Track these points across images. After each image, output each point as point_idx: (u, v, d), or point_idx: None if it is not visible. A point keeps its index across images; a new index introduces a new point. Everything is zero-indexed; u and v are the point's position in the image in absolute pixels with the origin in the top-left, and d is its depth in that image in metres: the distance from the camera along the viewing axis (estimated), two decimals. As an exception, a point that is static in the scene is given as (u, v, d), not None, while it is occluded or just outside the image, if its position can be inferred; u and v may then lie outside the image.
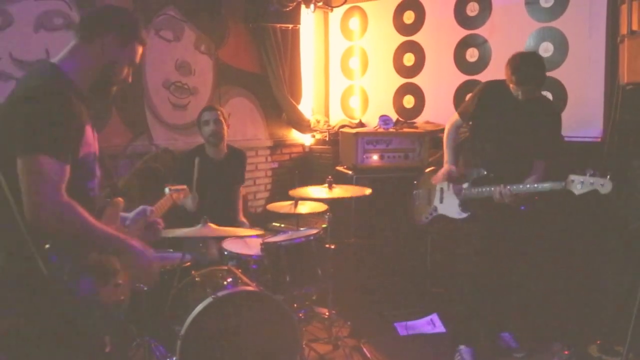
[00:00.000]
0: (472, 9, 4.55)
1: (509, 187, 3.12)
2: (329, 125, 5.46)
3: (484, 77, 4.37)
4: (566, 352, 3.39)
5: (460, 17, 4.62)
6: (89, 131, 1.89)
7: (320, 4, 5.19)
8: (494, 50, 4.42)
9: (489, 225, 3.36)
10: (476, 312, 3.46)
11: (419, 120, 4.92)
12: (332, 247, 3.57)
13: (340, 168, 4.60)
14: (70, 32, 3.45)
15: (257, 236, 3.54)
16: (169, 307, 3.02)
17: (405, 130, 4.60)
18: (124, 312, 1.99)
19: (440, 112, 4.78)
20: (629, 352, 2.94)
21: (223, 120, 4.02)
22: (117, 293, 1.92)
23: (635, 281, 3.03)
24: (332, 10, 5.45)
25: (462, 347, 3.44)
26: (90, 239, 1.78)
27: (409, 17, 4.99)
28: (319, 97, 5.64)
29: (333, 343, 3.63)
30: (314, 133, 5.45)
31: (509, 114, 3.29)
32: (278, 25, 5.03)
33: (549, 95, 4.08)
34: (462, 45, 4.63)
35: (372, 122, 5.14)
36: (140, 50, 2.05)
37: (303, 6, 5.04)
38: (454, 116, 3.59)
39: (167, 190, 2.83)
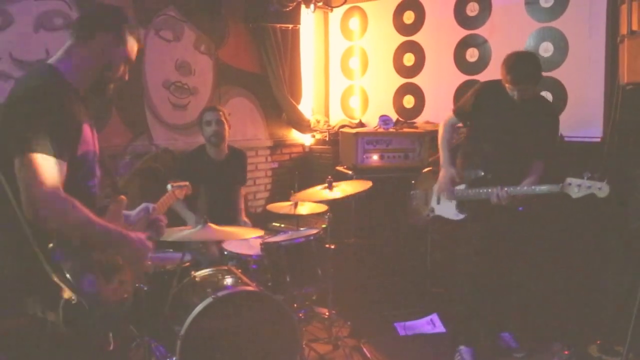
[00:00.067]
0: (472, 9, 4.55)
1: (506, 189, 3.12)
2: (329, 125, 5.46)
3: (484, 77, 4.36)
4: (566, 352, 3.39)
5: (460, 17, 4.62)
6: (86, 130, 1.90)
7: (320, 4, 5.19)
8: (494, 50, 4.42)
9: (488, 226, 3.35)
10: (476, 312, 3.46)
11: (419, 120, 4.92)
12: (332, 247, 3.57)
13: (340, 168, 4.60)
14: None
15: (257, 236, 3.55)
16: (169, 307, 3.02)
17: (405, 130, 4.60)
18: (126, 311, 1.99)
19: (440, 112, 4.77)
20: (629, 352, 2.94)
21: (225, 121, 4.03)
22: (122, 290, 1.93)
23: (635, 281, 3.04)
24: (332, 10, 5.45)
25: (462, 347, 3.44)
26: (90, 234, 1.79)
27: (409, 17, 4.99)
28: (319, 97, 5.64)
29: (333, 343, 3.63)
30: (314, 133, 5.45)
31: (506, 114, 3.28)
32: (278, 25, 5.03)
33: (549, 95, 4.08)
34: (462, 45, 4.63)
35: (372, 122, 5.14)
36: (135, 47, 2.06)
37: (303, 6, 5.04)
38: (449, 115, 3.58)
39: (169, 187, 2.84)
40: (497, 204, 3.16)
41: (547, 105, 3.51)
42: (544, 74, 4.06)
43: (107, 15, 2.01)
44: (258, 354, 2.91)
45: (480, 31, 4.52)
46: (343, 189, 3.69)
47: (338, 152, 4.90)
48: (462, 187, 3.40)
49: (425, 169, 3.89)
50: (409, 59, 5.03)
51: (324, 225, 3.58)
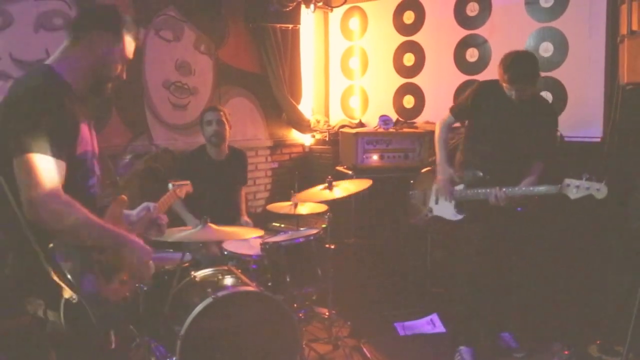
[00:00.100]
0: (472, 9, 4.55)
1: (504, 189, 3.12)
2: (329, 125, 5.46)
3: (484, 77, 4.36)
4: (566, 352, 3.39)
5: (460, 17, 4.62)
6: (85, 130, 1.90)
7: (320, 4, 5.19)
8: (494, 50, 4.42)
9: (487, 226, 3.35)
10: (476, 312, 3.46)
11: (419, 120, 4.92)
12: (332, 247, 3.57)
13: (340, 168, 4.60)
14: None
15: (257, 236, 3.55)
16: (169, 307, 3.02)
17: (405, 130, 4.60)
18: (127, 310, 1.99)
19: (440, 112, 4.71)
20: (629, 352, 2.94)
21: (225, 121, 4.04)
22: (122, 290, 1.93)
23: (635, 281, 3.04)
24: (332, 10, 5.45)
25: (462, 347, 3.44)
26: (90, 235, 1.79)
27: (409, 17, 4.99)
28: (319, 97, 5.64)
29: (333, 343, 3.63)
30: (314, 133, 5.45)
31: (504, 114, 3.28)
32: (278, 25, 5.03)
33: (549, 95, 4.08)
34: (462, 45, 4.63)
35: (372, 122, 5.14)
36: (133, 46, 2.06)
37: (303, 6, 5.04)
38: (445, 114, 3.57)
39: (170, 186, 2.84)
40: (496, 205, 3.16)
41: (546, 104, 3.51)
42: (544, 74, 4.09)
43: (102, 14, 2.01)
44: (258, 354, 2.91)
45: (480, 31, 4.52)
46: (344, 188, 3.69)
47: (338, 152, 4.90)
48: (460, 187, 3.39)
49: (424, 169, 3.88)
50: (409, 59, 5.03)
51: (324, 225, 3.58)
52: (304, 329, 3.40)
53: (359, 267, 4.35)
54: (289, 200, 3.79)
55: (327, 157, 5.22)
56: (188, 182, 2.97)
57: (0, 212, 1.78)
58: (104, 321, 1.82)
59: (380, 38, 5.18)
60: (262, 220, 4.45)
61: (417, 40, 4.95)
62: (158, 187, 3.10)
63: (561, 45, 4.06)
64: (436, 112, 4.84)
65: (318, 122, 5.44)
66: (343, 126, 5.19)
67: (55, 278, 1.72)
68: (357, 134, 4.40)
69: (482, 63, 4.51)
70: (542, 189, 3.06)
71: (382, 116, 4.62)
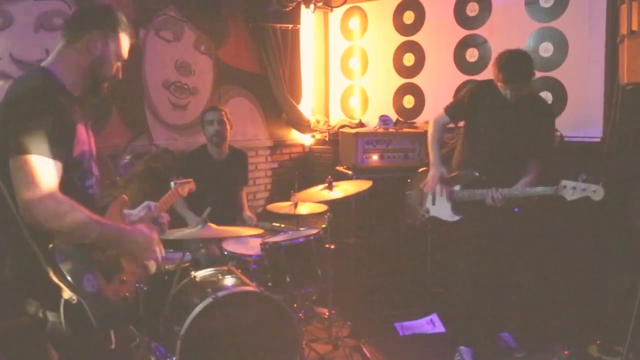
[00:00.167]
0: (472, 9, 4.55)
1: (500, 190, 3.11)
2: (329, 125, 5.46)
3: (484, 77, 4.35)
4: (566, 352, 3.39)
5: (460, 17, 4.62)
6: (81, 130, 1.90)
7: (320, 4, 5.19)
8: (494, 50, 4.42)
9: (484, 227, 3.34)
10: (476, 312, 3.46)
11: (419, 120, 4.92)
12: (332, 247, 3.57)
13: (340, 168, 4.60)
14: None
15: (257, 236, 3.55)
16: (169, 307, 3.02)
17: (405, 130, 4.61)
18: (127, 310, 1.99)
19: (440, 112, 4.77)
20: (629, 352, 2.94)
21: (226, 121, 4.04)
22: (123, 290, 1.93)
23: (635, 281, 3.03)
24: (332, 10, 5.45)
25: (462, 347, 3.44)
26: (89, 234, 1.79)
27: (408, 17, 4.99)
28: (319, 97, 5.64)
29: (333, 343, 3.63)
30: (314, 133, 5.45)
31: (500, 113, 3.27)
32: (278, 25, 5.03)
33: (549, 95, 4.08)
34: (462, 45, 4.63)
35: (372, 122, 5.14)
36: (128, 44, 2.06)
37: (303, 6, 5.04)
38: (439, 113, 3.56)
39: (172, 184, 2.84)
40: (493, 206, 3.15)
41: (542, 103, 3.48)
42: (544, 74, 4.09)
43: (96, 14, 2.01)
44: (258, 354, 2.91)
45: (480, 31, 4.52)
46: (343, 189, 3.69)
47: (338, 152, 4.90)
48: (457, 188, 3.38)
49: (421, 169, 3.86)
50: (409, 59, 5.03)
51: (324, 225, 3.57)
52: (304, 329, 3.40)
53: (359, 267, 4.35)
54: (289, 200, 3.80)
55: (327, 157, 5.22)
56: (190, 180, 2.97)
57: None
58: (103, 321, 1.82)
59: (380, 38, 5.18)
60: (262, 220, 4.45)
61: (417, 40, 4.95)
62: (158, 187, 3.10)
63: (561, 45, 4.06)
64: (436, 112, 4.80)
65: (318, 122, 5.44)
66: (343, 126, 5.19)
67: (55, 279, 1.72)
68: (357, 134, 4.41)
69: (482, 63, 4.51)
70: (538, 190, 3.06)
71: (382, 116, 4.63)
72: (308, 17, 5.32)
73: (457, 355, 3.44)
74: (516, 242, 3.41)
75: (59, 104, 1.80)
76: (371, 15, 5.24)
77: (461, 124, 3.66)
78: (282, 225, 4.09)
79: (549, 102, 4.05)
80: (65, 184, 1.78)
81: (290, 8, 4.94)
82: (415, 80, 5.01)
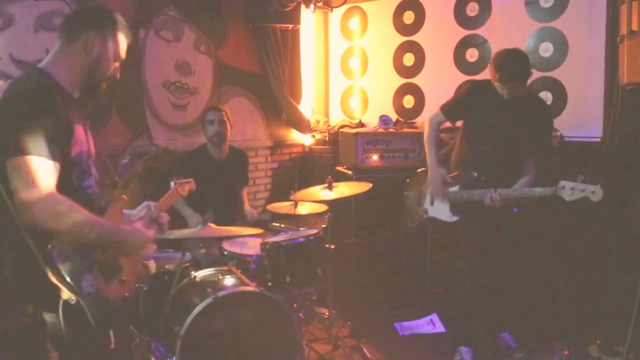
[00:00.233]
0: (472, 9, 4.55)
1: (499, 191, 3.11)
2: (328, 125, 5.46)
3: (484, 77, 4.32)
4: (566, 352, 3.39)
5: (460, 17, 4.62)
6: (79, 131, 1.90)
7: (320, 4, 5.19)
8: (493, 50, 4.38)
9: (483, 227, 3.34)
10: (476, 312, 3.46)
11: (419, 120, 4.91)
12: (332, 247, 3.57)
13: (340, 168, 4.60)
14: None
15: (257, 236, 3.55)
16: (169, 307, 3.02)
17: (405, 130, 4.60)
18: (127, 310, 2.00)
19: (435, 110, 4.77)
20: (629, 352, 2.94)
21: (227, 121, 4.04)
22: (122, 290, 1.93)
23: (635, 281, 3.03)
24: (332, 10, 5.45)
25: (462, 347, 3.44)
26: (88, 234, 1.79)
27: (408, 17, 4.99)
28: (319, 97, 5.64)
29: (333, 343, 3.63)
30: (314, 133, 5.45)
31: (497, 113, 3.27)
32: (278, 25, 5.03)
33: (549, 95, 4.08)
34: (462, 46, 4.63)
35: (372, 122, 5.14)
36: (125, 44, 2.06)
37: (303, 6, 5.04)
38: (435, 112, 3.54)
39: (172, 184, 2.84)
40: (491, 206, 3.15)
41: (540, 103, 3.46)
42: (544, 74, 4.09)
43: (92, 14, 2.01)
44: (258, 354, 2.91)
45: (480, 31, 4.52)
46: (342, 191, 3.69)
47: (338, 152, 4.90)
48: (455, 188, 3.37)
49: (420, 169, 3.85)
50: (408, 59, 5.03)
51: (324, 225, 3.58)
52: (304, 329, 3.40)
53: (359, 267, 4.35)
54: (289, 200, 3.80)
55: (327, 157, 5.22)
56: (191, 179, 2.97)
57: None
58: (103, 321, 1.82)
59: (380, 38, 5.18)
60: (262, 220, 4.45)
61: (417, 40, 4.95)
62: (158, 187, 3.11)
63: (561, 46, 4.06)
64: (436, 112, 4.84)
65: (318, 122, 5.44)
66: (343, 126, 5.19)
67: (53, 279, 1.72)
68: (357, 134, 4.41)
69: (482, 63, 4.50)
70: (537, 190, 3.05)
71: (382, 116, 4.63)
72: (308, 17, 5.32)
73: (457, 355, 3.44)
74: (515, 242, 3.41)
75: (56, 104, 1.80)
76: (371, 15, 5.24)
77: (459, 123, 3.65)
78: (282, 225, 4.10)
79: (549, 102, 4.05)
80: (64, 184, 1.79)
81: (290, 8, 4.94)
82: (415, 80, 5.01)
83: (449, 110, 3.48)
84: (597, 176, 2.86)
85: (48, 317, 1.75)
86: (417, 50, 4.96)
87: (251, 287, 3.01)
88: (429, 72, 4.91)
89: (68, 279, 1.74)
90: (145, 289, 2.93)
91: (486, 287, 3.42)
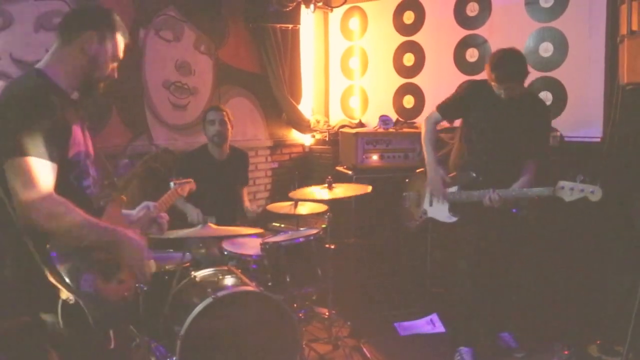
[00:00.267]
0: (472, 9, 4.55)
1: (498, 191, 3.11)
2: (328, 125, 5.46)
3: (484, 77, 4.34)
4: (566, 352, 3.39)
5: (460, 17, 4.62)
6: (77, 131, 1.90)
7: (320, 4, 5.19)
8: (493, 50, 4.38)
9: (482, 228, 3.34)
10: (476, 312, 3.46)
11: (419, 121, 4.91)
12: (332, 247, 3.57)
13: (340, 168, 4.60)
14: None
15: (257, 236, 3.55)
16: (169, 307, 3.02)
17: (405, 130, 4.61)
18: (127, 310, 1.99)
19: (433, 110, 4.77)
20: (629, 352, 2.94)
21: (228, 121, 4.05)
22: (121, 289, 1.93)
23: (635, 281, 3.04)
24: (332, 10, 5.45)
25: (462, 347, 3.44)
26: (85, 235, 1.79)
27: (408, 17, 4.99)
28: (319, 97, 5.64)
29: (333, 343, 3.63)
30: (314, 133, 5.45)
31: (494, 113, 3.26)
32: (278, 25, 5.03)
33: (549, 95, 4.08)
34: (462, 46, 4.63)
35: (372, 122, 5.14)
36: (122, 44, 2.05)
37: (303, 6, 5.04)
38: (432, 112, 3.54)
39: (172, 184, 2.84)
40: (490, 207, 3.15)
41: (538, 102, 3.43)
42: (544, 74, 4.09)
43: (89, 14, 2.01)
44: (258, 354, 2.91)
45: (480, 31, 4.52)
46: (340, 193, 3.69)
47: (338, 152, 4.90)
48: (454, 189, 3.37)
49: (418, 170, 3.84)
50: (408, 59, 5.03)
51: (324, 225, 3.58)
52: (304, 329, 3.40)
53: (359, 267, 4.35)
54: (288, 200, 3.80)
55: (327, 157, 5.22)
56: (190, 180, 2.97)
57: None
58: (102, 321, 1.82)
59: (380, 38, 5.18)
60: (262, 220, 4.45)
61: (417, 40, 4.95)
62: (158, 187, 3.11)
63: (561, 46, 4.06)
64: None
65: (318, 122, 5.44)
66: (343, 126, 5.19)
67: (51, 279, 1.72)
68: (357, 134, 4.41)
69: (482, 63, 4.48)
70: (535, 191, 3.05)
71: (382, 116, 4.63)
72: (308, 17, 5.32)
73: (457, 355, 3.44)
74: (514, 242, 3.41)
75: (53, 105, 1.80)
76: (371, 15, 5.24)
77: (458, 123, 3.65)
78: (282, 225, 4.10)
79: (549, 102, 4.06)
80: (62, 185, 1.79)
81: (290, 8, 4.94)
82: (415, 80, 5.01)
83: (446, 109, 3.48)
84: (597, 176, 2.86)
85: (47, 317, 1.75)
86: (417, 50, 4.96)
87: (251, 287, 3.02)
88: (429, 72, 4.91)
89: (66, 279, 1.74)
90: (145, 289, 2.93)
91: (486, 287, 3.42)
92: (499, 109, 3.24)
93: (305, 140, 5.52)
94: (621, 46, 3.40)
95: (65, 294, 1.73)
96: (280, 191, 5.07)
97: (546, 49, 4.12)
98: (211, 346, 2.81)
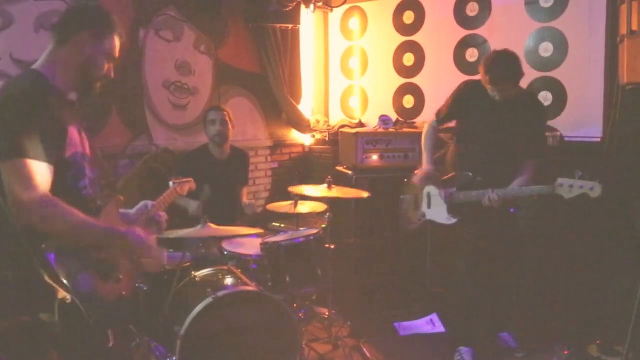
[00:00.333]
0: (472, 9, 4.55)
1: (497, 191, 3.10)
2: (328, 125, 5.46)
3: (483, 77, 4.37)
4: (566, 352, 3.39)
5: (460, 17, 4.62)
6: (73, 132, 1.90)
7: (320, 4, 5.19)
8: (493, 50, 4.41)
9: (481, 228, 3.34)
10: (476, 312, 3.46)
11: (419, 121, 4.91)
12: (332, 247, 3.57)
13: (340, 168, 4.60)
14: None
15: (257, 236, 3.55)
16: (169, 307, 3.02)
17: (405, 130, 4.61)
18: (127, 308, 1.99)
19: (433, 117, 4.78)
20: (629, 352, 2.94)
21: (229, 121, 4.05)
22: (119, 289, 1.93)
23: (635, 281, 3.03)
24: (332, 10, 5.45)
25: (462, 347, 3.44)
26: (82, 235, 1.79)
27: (408, 17, 4.99)
28: (319, 97, 5.64)
29: (333, 343, 3.63)
30: (314, 133, 5.45)
31: (490, 114, 3.26)
32: (278, 26, 5.03)
33: (549, 95, 4.08)
34: (462, 46, 4.63)
35: (372, 122, 5.14)
36: (118, 43, 2.05)
37: (303, 6, 5.04)
38: (432, 119, 3.59)
39: (171, 183, 2.84)
40: (489, 207, 3.14)
41: (533, 102, 3.42)
42: (544, 74, 4.09)
43: (84, 14, 2.01)
44: (258, 354, 2.91)
45: (480, 31, 4.52)
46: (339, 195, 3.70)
47: (338, 152, 4.90)
48: (452, 190, 3.36)
49: (417, 171, 3.84)
50: (408, 59, 5.03)
51: (324, 225, 3.58)
52: (304, 329, 3.40)
53: (359, 267, 4.35)
54: (289, 200, 3.80)
55: (327, 157, 5.22)
56: (190, 179, 2.97)
57: None
58: (100, 320, 1.82)
59: (380, 38, 5.18)
60: (262, 220, 4.45)
61: (417, 40, 4.95)
62: (158, 186, 3.11)
63: (561, 46, 4.06)
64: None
65: (318, 122, 5.44)
66: (343, 126, 5.19)
67: (48, 279, 1.72)
68: (357, 134, 4.41)
69: (482, 63, 4.50)
70: (535, 189, 3.04)
71: (382, 116, 4.63)
72: (308, 17, 5.32)
73: (457, 355, 3.44)
74: (513, 242, 3.41)
75: (50, 106, 1.80)
76: (371, 15, 5.24)
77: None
78: (282, 225, 4.10)
79: (549, 102, 4.06)
80: (59, 185, 1.79)
81: (290, 8, 4.93)
82: (415, 80, 5.01)
83: (442, 115, 3.53)
84: (596, 176, 2.85)
85: (45, 317, 1.75)
86: (417, 50, 4.96)
87: (251, 287, 3.02)
88: (429, 72, 4.91)
89: (63, 279, 1.73)
90: (145, 289, 2.93)
91: (486, 287, 3.42)
92: (494, 109, 3.24)
93: (305, 140, 5.52)
94: (621, 46, 3.40)
95: (62, 294, 1.73)
96: (280, 191, 5.07)
97: (546, 49, 4.12)
98: (211, 346, 2.81)
